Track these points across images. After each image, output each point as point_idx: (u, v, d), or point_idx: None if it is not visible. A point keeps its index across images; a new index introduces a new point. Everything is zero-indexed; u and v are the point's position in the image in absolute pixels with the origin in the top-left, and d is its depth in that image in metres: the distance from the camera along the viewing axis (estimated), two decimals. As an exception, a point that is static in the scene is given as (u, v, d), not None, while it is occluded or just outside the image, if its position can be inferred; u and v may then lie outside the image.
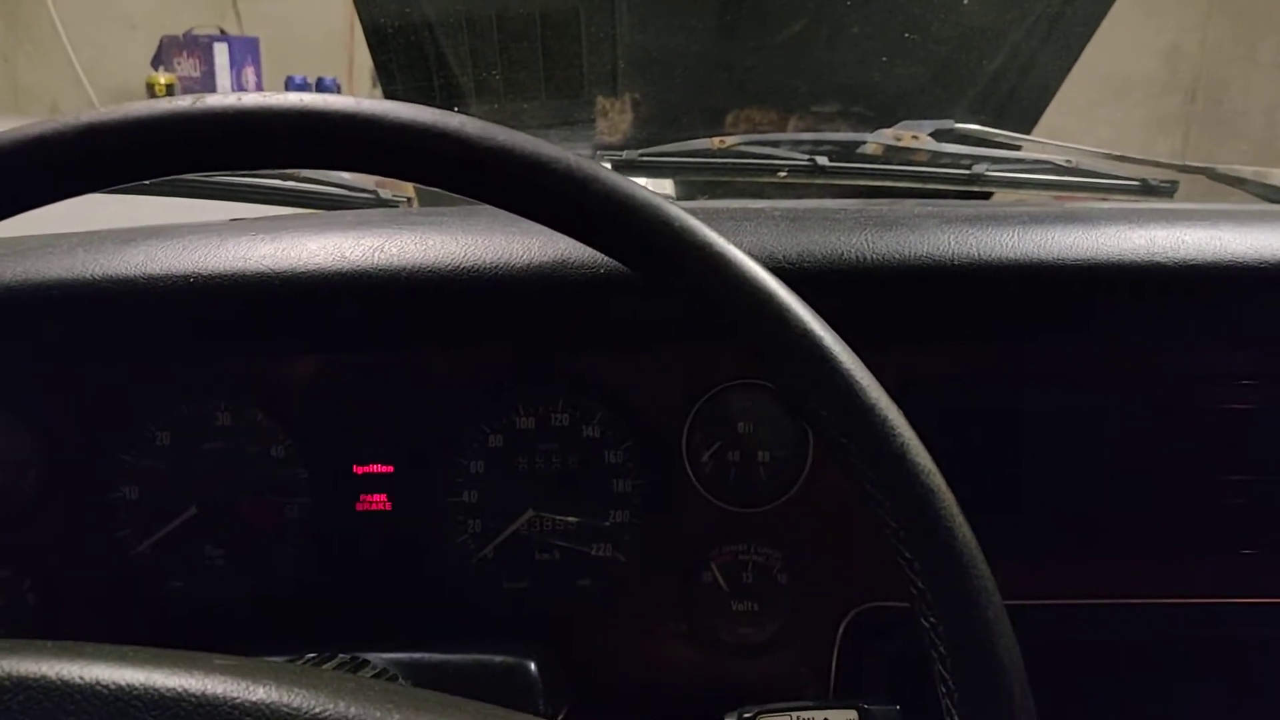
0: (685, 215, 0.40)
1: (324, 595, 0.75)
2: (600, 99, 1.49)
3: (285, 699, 0.31)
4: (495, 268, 0.65)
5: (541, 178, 0.40)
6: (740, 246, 0.40)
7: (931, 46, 1.53)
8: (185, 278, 0.66)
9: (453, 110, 0.41)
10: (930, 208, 0.81)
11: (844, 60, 1.56)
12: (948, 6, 1.54)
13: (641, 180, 1.18)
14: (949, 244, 0.67)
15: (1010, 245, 0.67)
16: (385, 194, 1.13)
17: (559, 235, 0.42)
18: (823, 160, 1.14)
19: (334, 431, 0.74)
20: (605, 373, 0.74)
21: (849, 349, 0.40)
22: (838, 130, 1.47)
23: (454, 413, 0.74)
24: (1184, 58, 4.37)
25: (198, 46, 4.09)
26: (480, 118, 0.41)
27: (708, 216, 0.41)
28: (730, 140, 1.18)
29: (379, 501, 0.74)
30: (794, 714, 0.60)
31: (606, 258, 0.42)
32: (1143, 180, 1.16)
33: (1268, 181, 1.10)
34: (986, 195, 1.24)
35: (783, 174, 1.16)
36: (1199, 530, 0.75)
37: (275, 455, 0.74)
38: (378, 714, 0.31)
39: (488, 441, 0.74)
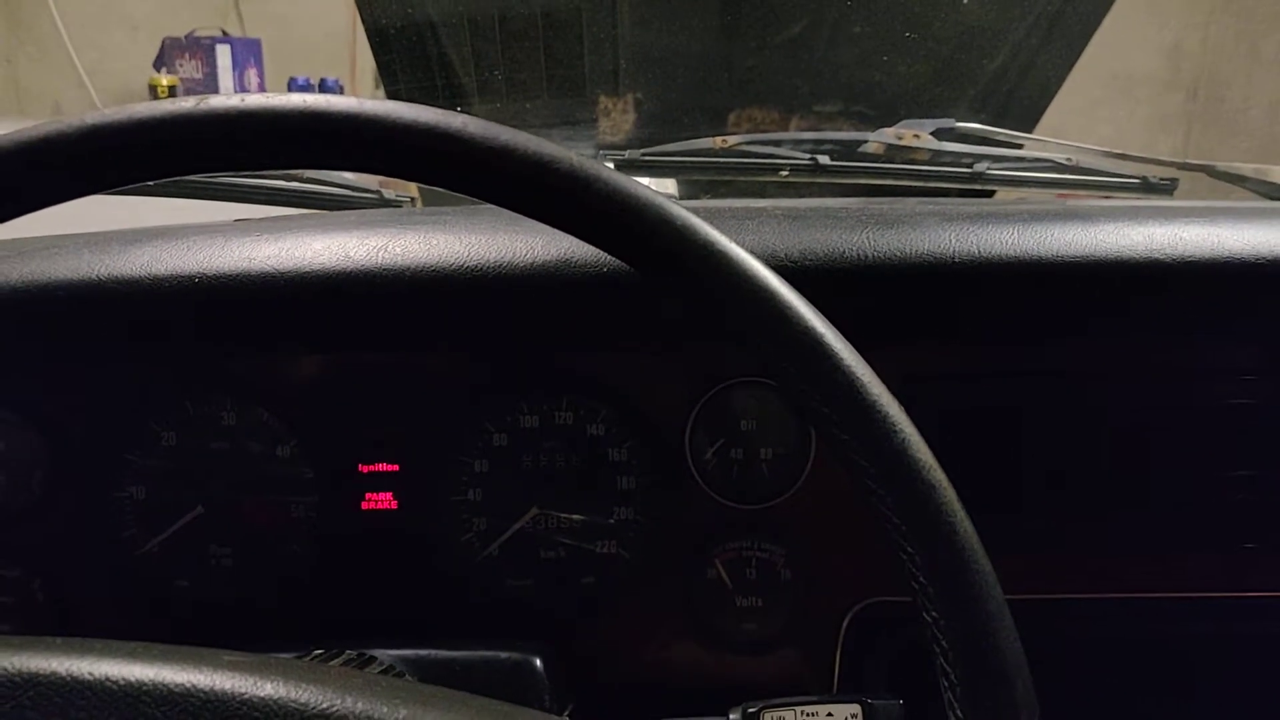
0: (687, 214, 0.41)
1: (330, 593, 0.76)
2: (602, 98, 1.49)
3: (293, 694, 0.31)
4: (498, 267, 0.66)
5: (544, 177, 0.40)
6: (742, 245, 0.41)
7: (933, 45, 1.53)
8: (190, 278, 0.66)
9: (455, 110, 0.41)
10: (931, 206, 0.81)
11: (845, 59, 1.56)
12: (949, 5, 1.54)
13: (644, 180, 1.19)
14: (950, 242, 0.67)
15: (1010, 243, 0.67)
16: (389, 194, 1.14)
17: (562, 234, 0.42)
18: (824, 159, 1.14)
19: (339, 431, 0.74)
20: (609, 371, 0.74)
21: (850, 346, 0.40)
22: (839, 129, 1.47)
23: (458, 411, 0.74)
24: (1186, 56, 4.36)
25: (200, 48, 4.09)
26: (483, 118, 0.41)
27: (709, 215, 0.42)
28: (732, 139, 1.18)
29: (384, 500, 0.74)
30: (798, 709, 0.60)
31: (609, 257, 0.42)
32: (1143, 178, 1.16)
33: (1268, 179, 1.10)
34: (988, 193, 1.24)
35: (784, 173, 1.16)
36: (1200, 525, 0.75)
37: (281, 454, 0.74)
38: (385, 709, 0.31)
39: (492, 440, 0.74)
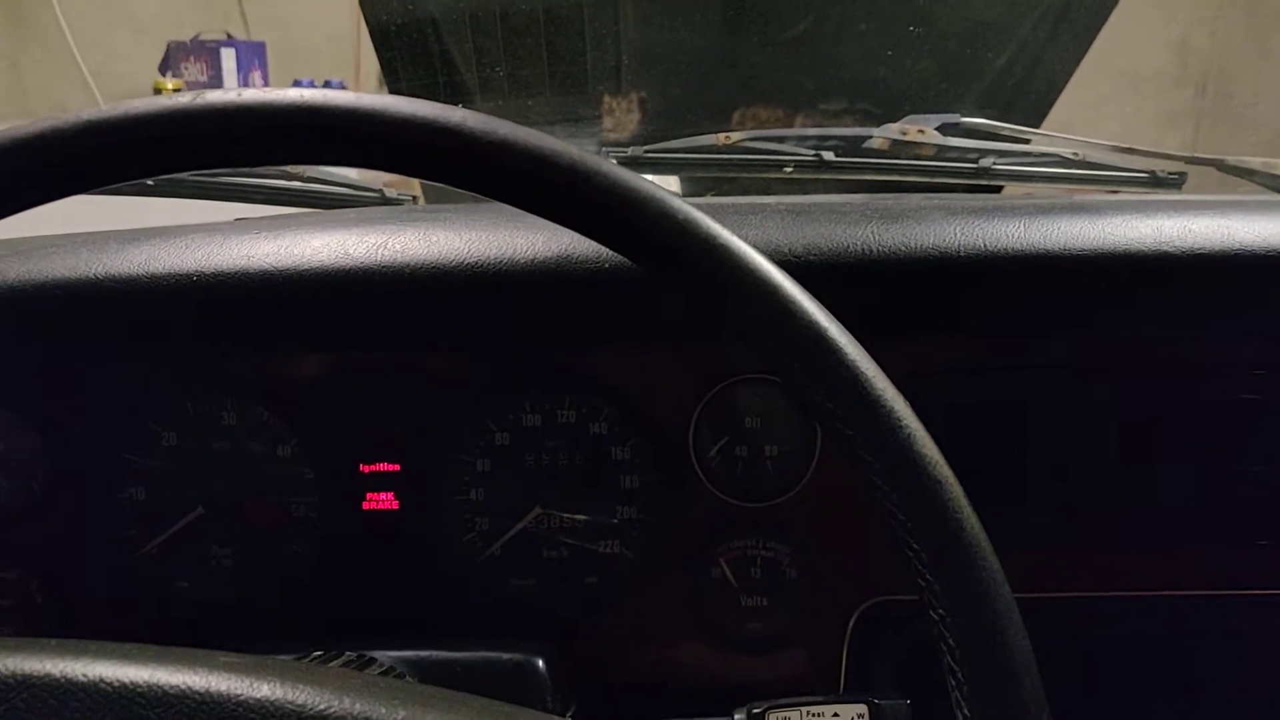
0: (689, 208, 0.40)
1: (331, 594, 0.75)
2: (606, 96, 1.49)
3: (290, 696, 0.31)
4: (499, 263, 0.65)
5: (544, 171, 0.39)
6: (745, 240, 0.40)
7: (938, 41, 1.52)
8: (189, 277, 0.66)
9: (457, 106, 0.40)
10: (937, 201, 0.80)
11: (850, 55, 1.56)
12: (955, 1, 1.54)
13: (648, 176, 1.18)
14: (955, 236, 0.67)
15: (1017, 237, 0.67)
16: (390, 193, 1.13)
17: (563, 230, 0.41)
18: (829, 155, 1.14)
19: (340, 430, 0.74)
20: (611, 369, 0.74)
21: (855, 341, 0.39)
22: (845, 126, 1.46)
23: (460, 410, 0.74)
24: (1194, 51, 4.35)
25: (205, 51, 4.10)
26: (485, 114, 0.41)
27: (713, 211, 0.41)
28: (736, 136, 1.17)
29: (385, 500, 0.74)
30: (804, 709, 0.59)
31: (611, 252, 0.42)
32: (1151, 172, 1.15)
33: (1277, 173, 1.09)
34: (995, 189, 1.23)
35: (789, 169, 1.15)
36: (1209, 521, 0.74)
37: (281, 455, 0.74)
38: (383, 710, 0.31)
39: (494, 439, 0.74)
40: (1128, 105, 4.21)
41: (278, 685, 0.31)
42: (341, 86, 4.00)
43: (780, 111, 1.53)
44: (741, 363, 0.73)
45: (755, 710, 0.59)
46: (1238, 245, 0.66)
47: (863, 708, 0.59)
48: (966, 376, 0.73)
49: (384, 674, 0.63)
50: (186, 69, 4.10)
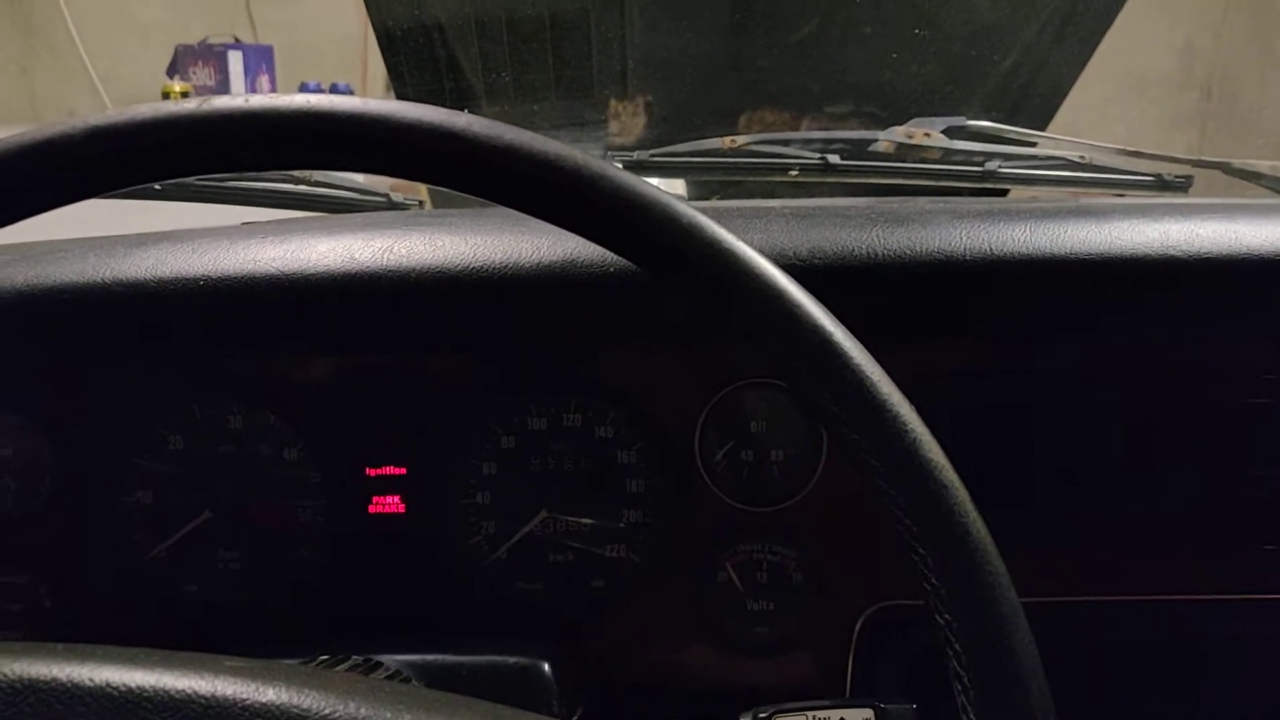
0: (694, 212, 0.40)
1: (337, 597, 0.75)
2: (611, 100, 1.49)
3: (296, 700, 0.31)
4: (504, 267, 0.65)
5: (549, 176, 0.39)
6: (750, 244, 0.40)
7: (944, 44, 1.52)
8: (196, 281, 0.66)
9: (464, 112, 0.40)
10: (942, 204, 0.80)
11: (856, 59, 1.56)
12: (960, 4, 1.54)
13: (653, 180, 1.18)
14: (961, 239, 0.67)
15: (1023, 240, 0.67)
16: (397, 197, 1.13)
17: (568, 234, 0.41)
18: (834, 159, 1.14)
19: (346, 434, 0.74)
20: (617, 373, 0.74)
21: (860, 345, 0.39)
22: (850, 129, 1.46)
23: (466, 414, 0.74)
24: (1199, 54, 4.34)
25: (212, 55, 4.11)
26: (491, 119, 0.41)
27: (718, 215, 0.41)
28: (741, 140, 1.17)
29: (392, 503, 0.74)
30: (810, 713, 0.59)
31: (616, 256, 0.42)
32: (1157, 176, 1.15)
33: (1284, 175, 1.09)
34: (1001, 192, 1.23)
35: (794, 173, 1.15)
36: (1219, 526, 0.74)
37: (288, 458, 0.74)
38: (389, 715, 0.31)
39: (500, 443, 0.74)
40: (1133, 108, 4.20)
41: (283, 690, 0.31)
42: (349, 89, 4.01)
43: (786, 114, 1.53)
44: (748, 367, 0.73)
45: (761, 714, 0.59)
46: (1245, 249, 0.66)
47: (869, 712, 0.59)
48: (972, 380, 0.73)
49: (389, 678, 0.63)
50: (194, 72, 4.11)
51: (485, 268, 0.65)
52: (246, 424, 0.74)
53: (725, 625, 0.75)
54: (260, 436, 0.74)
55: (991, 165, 1.13)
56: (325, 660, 0.62)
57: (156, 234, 0.73)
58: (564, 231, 0.41)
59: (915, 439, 0.38)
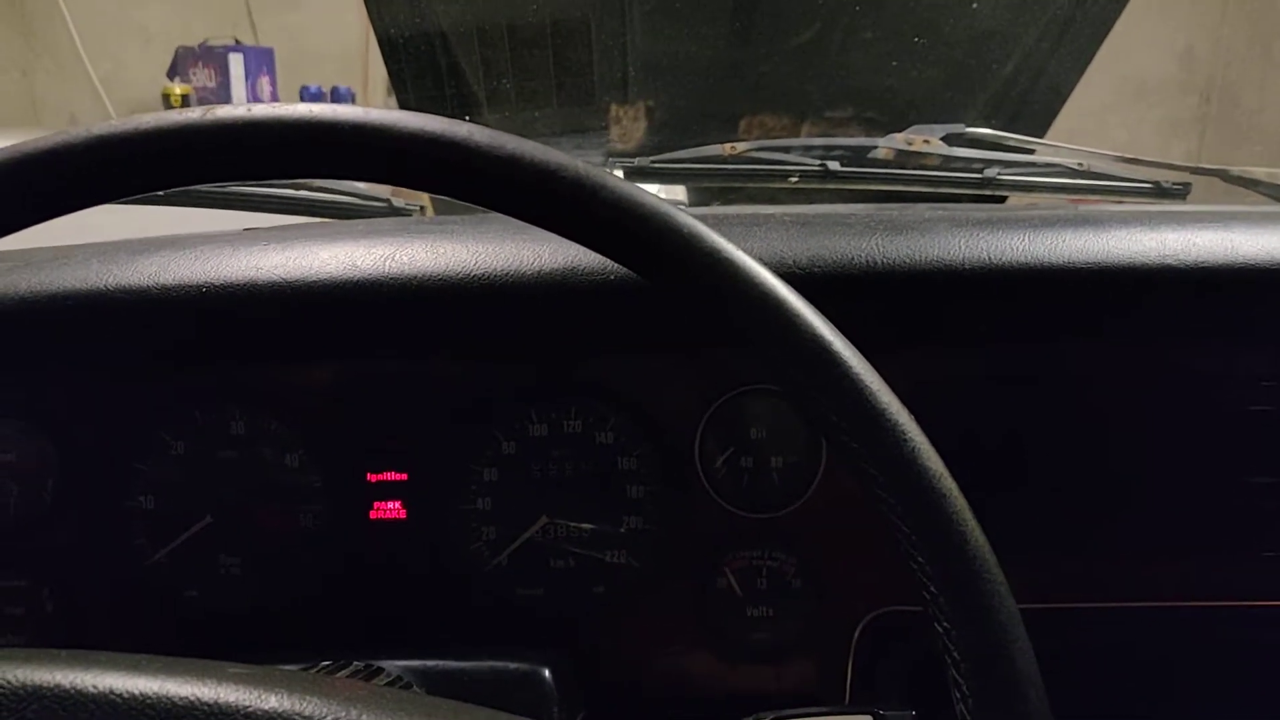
0: (693, 221, 0.40)
1: (339, 603, 0.75)
2: (612, 106, 1.49)
3: (298, 707, 0.31)
4: (505, 275, 0.65)
5: (549, 185, 0.40)
6: (750, 251, 0.40)
7: (943, 51, 1.53)
8: (198, 287, 0.66)
9: (465, 119, 0.41)
10: (942, 211, 0.81)
11: (856, 65, 1.56)
12: (960, 11, 1.54)
13: (654, 187, 1.19)
14: (960, 247, 0.67)
15: (1021, 248, 0.67)
16: (399, 202, 1.14)
17: (569, 242, 0.42)
18: (834, 165, 1.14)
19: (348, 439, 0.74)
20: (618, 379, 0.74)
21: (859, 353, 0.40)
22: (850, 135, 1.47)
23: (467, 420, 0.74)
24: (1199, 60, 4.35)
25: (213, 57, 4.12)
26: (493, 126, 0.41)
27: (717, 222, 0.42)
28: (742, 146, 1.18)
29: (393, 509, 0.74)
30: (810, 719, 0.59)
31: (616, 265, 0.42)
32: (1156, 183, 1.16)
33: (1282, 183, 1.09)
34: (1000, 199, 1.23)
35: (794, 179, 1.15)
36: (1219, 533, 0.74)
37: (289, 463, 0.74)
38: (390, 721, 0.31)
39: (501, 448, 0.74)
40: (1133, 113, 4.21)
41: (285, 696, 0.31)
42: (350, 93, 4.02)
43: (786, 120, 1.53)
44: (747, 374, 0.73)
45: (761, 721, 0.59)
46: (1240, 258, 0.66)
47: (868, 718, 0.59)
48: (970, 388, 0.73)
49: (391, 684, 0.63)
50: (195, 75, 4.12)
51: (487, 275, 0.65)
52: (248, 429, 0.74)
53: (725, 631, 0.75)
54: (262, 442, 0.74)
55: (990, 172, 1.13)
56: (327, 666, 0.62)
57: (158, 240, 0.74)
58: (565, 240, 0.42)
59: (913, 447, 0.38)
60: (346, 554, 0.75)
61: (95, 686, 0.31)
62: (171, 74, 4.10)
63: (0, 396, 0.74)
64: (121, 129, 0.39)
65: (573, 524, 0.74)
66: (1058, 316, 0.69)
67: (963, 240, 0.68)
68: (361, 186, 1.13)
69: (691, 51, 1.51)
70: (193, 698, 0.31)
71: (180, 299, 0.66)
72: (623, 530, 0.74)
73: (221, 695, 0.31)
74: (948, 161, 1.15)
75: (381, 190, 1.14)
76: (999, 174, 1.13)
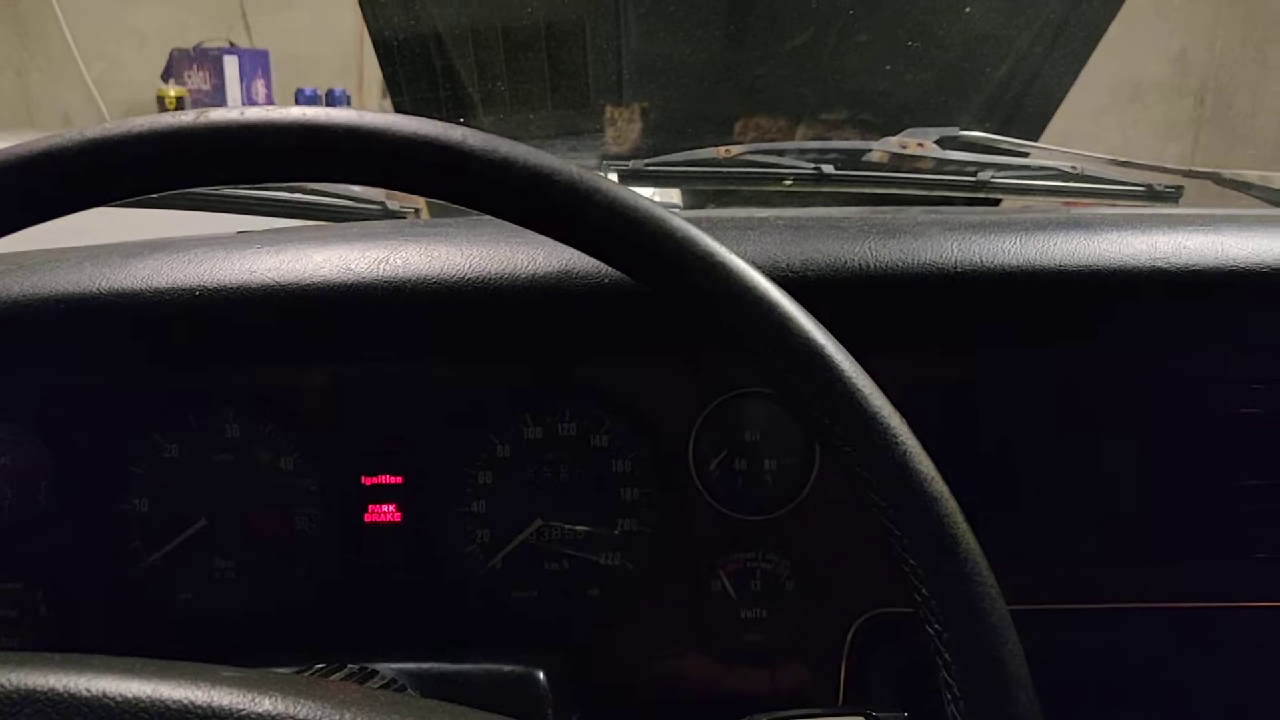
0: (687, 225, 0.40)
1: (333, 606, 0.75)
2: (607, 109, 1.49)
3: (291, 710, 0.31)
4: (499, 279, 0.66)
5: (543, 189, 0.40)
6: (744, 255, 0.41)
7: (937, 54, 1.53)
8: (192, 290, 0.66)
9: (459, 121, 0.41)
10: (935, 215, 0.81)
11: (851, 68, 1.56)
12: (954, 14, 1.54)
13: (648, 190, 1.19)
14: (953, 251, 0.67)
15: (1014, 252, 0.67)
16: (393, 205, 1.14)
17: (563, 246, 0.42)
18: (829, 168, 1.14)
19: (342, 443, 0.74)
20: (612, 382, 0.74)
21: (851, 357, 0.40)
22: (844, 138, 1.47)
23: (461, 423, 0.74)
24: (1193, 63, 4.36)
25: (207, 59, 4.11)
26: (487, 128, 0.41)
27: (712, 226, 0.42)
28: (736, 149, 1.18)
29: (388, 512, 0.74)
30: (802, 721, 0.59)
31: (610, 269, 0.42)
32: (1148, 186, 1.16)
33: (1273, 186, 1.10)
34: (993, 202, 1.24)
35: (788, 182, 1.16)
36: (1209, 535, 0.74)
37: (284, 467, 0.74)
38: (384, 724, 0.31)
39: (495, 451, 0.74)
40: (1127, 116, 4.22)
41: (279, 699, 0.31)
42: (345, 95, 4.01)
43: (781, 124, 1.53)
44: (741, 376, 0.73)
45: (754, 722, 0.59)
46: (1231, 262, 0.67)
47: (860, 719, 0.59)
48: (962, 392, 0.74)
49: (385, 687, 0.63)
50: (189, 77, 4.11)
51: (481, 279, 0.66)
52: (243, 432, 0.74)
53: (719, 633, 0.75)
54: (256, 445, 0.74)
55: (984, 175, 1.14)
56: (321, 669, 0.62)
57: (152, 243, 0.74)
58: (559, 243, 0.42)
59: (905, 451, 0.38)
60: (341, 557, 0.75)
61: (89, 690, 0.31)
62: (166, 76, 4.10)
63: (-6, 399, 0.74)
64: (115, 132, 0.39)
65: (567, 526, 0.74)
66: (1049, 320, 0.70)
67: (955, 244, 0.68)
68: (356, 189, 1.13)
69: (686, 54, 1.51)
70: (186, 701, 0.31)
71: (174, 302, 0.66)
72: (617, 532, 0.74)
73: (215, 699, 0.31)
74: (942, 164, 1.16)
75: (376, 193, 1.14)
76: (993, 177, 1.14)
